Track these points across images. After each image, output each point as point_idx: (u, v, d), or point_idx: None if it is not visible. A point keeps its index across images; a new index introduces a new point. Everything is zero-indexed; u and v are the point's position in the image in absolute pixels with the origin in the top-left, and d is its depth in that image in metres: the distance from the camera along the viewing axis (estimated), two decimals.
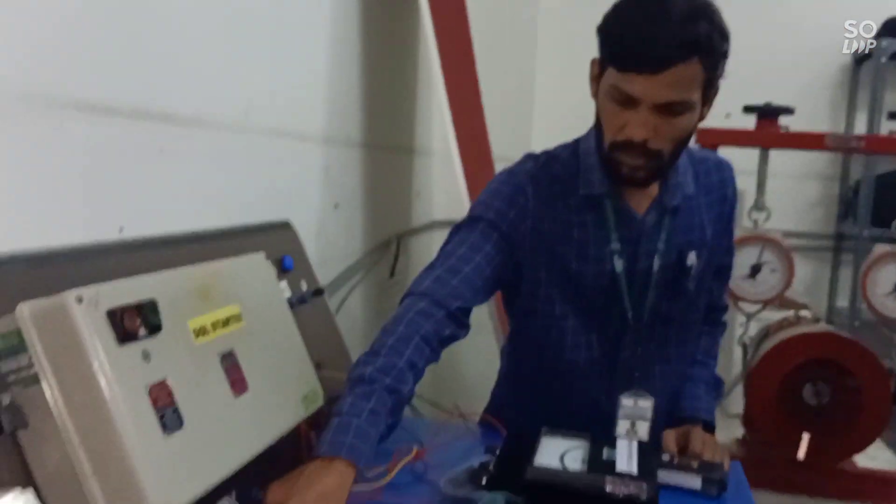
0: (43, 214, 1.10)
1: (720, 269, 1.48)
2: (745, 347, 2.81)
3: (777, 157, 2.79)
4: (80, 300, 0.78)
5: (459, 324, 1.25)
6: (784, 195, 3.26)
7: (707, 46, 1.14)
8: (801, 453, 2.51)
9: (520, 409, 1.47)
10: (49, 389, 0.77)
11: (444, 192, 2.80)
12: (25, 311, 0.77)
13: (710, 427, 1.42)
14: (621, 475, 1.10)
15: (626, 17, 1.16)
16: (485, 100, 2.77)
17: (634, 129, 1.19)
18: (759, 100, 2.66)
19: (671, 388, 1.44)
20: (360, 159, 2.25)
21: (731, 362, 3.14)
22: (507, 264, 1.33)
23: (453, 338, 1.24)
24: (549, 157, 1.38)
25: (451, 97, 2.19)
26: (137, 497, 0.76)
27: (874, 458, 2.74)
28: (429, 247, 1.28)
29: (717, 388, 1.52)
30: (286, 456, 1.05)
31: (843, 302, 3.88)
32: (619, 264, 1.33)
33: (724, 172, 1.42)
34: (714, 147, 2.52)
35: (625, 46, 1.16)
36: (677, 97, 1.16)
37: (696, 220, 1.37)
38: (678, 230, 1.35)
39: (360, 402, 1.03)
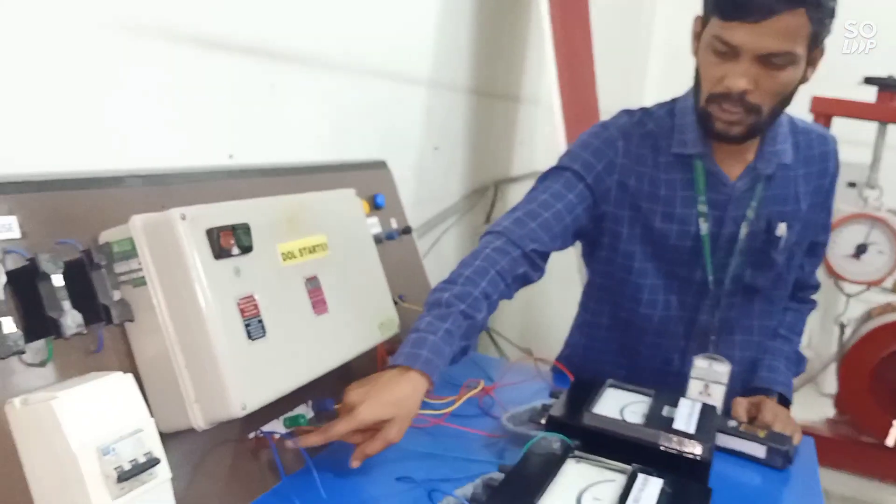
0: (161, 138, 1.22)
1: (813, 246, 1.44)
2: (842, 328, 2.71)
3: None
4: (183, 217, 0.87)
5: (534, 265, 1.28)
6: None
7: None
8: (891, 440, 2.44)
9: (591, 360, 1.50)
10: (153, 291, 0.87)
11: (549, 143, 2.80)
12: (137, 222, 0.88)
13: (785, 401, 1.41)
14: (677, 432, 1.10)
15: None
16: (598, 52, 2.72)
17: (734, 80, 1.17)
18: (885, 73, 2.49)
19: (750, 359, 1.43)
20: (463, 104, 2.28)
21: (829, 342, 3.02)
22: (589, 215, 1.35)
23: (527, 277, 1.27)
24: (645, 113, 1.38)
25: (558, 47, 2.18)
26: (221, 390, 0.86)
27: None
28: None
29: (797, 364, 1.49)
30: (361, 375, 1.13)
31: None
32: (703, 227, 1.32)
33: (828, 145, 1.38)
34: (828, 117, 2.40)
35: None
36: (780, 48, 1.13)
37: (790, 192, 1.34)
38: (770, 199, 1.33)
39: (436, 322, 1.09)
